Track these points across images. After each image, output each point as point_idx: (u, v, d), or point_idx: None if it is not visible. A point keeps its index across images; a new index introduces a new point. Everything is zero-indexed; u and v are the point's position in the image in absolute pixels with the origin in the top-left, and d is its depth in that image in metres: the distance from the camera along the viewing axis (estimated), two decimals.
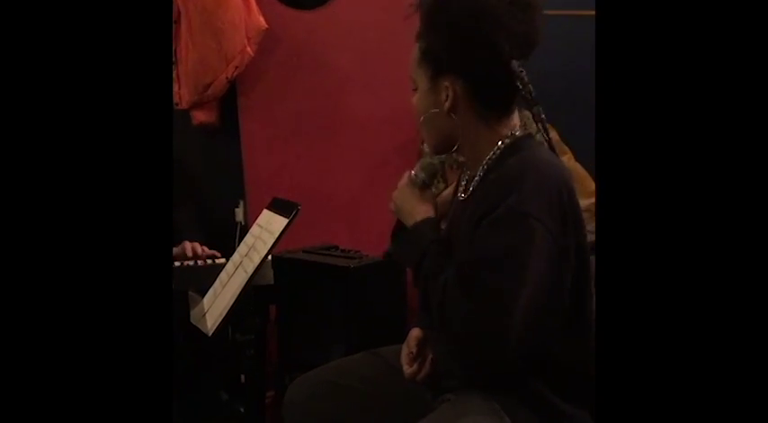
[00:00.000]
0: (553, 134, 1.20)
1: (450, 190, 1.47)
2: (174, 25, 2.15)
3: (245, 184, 2.32)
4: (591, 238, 1.00)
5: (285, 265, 1.80)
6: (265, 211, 1.58)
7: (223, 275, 1.57)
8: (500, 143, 1.11)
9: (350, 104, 2.31)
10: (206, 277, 1.67)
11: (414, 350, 1.21)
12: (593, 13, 0.88)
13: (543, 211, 0.98)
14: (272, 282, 1.80)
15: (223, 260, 1.96)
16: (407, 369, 1.20)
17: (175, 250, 2.02)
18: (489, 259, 0.98)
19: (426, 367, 1.20)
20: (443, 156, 1.48)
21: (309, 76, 2.29)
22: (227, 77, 2.15)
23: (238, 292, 1.42)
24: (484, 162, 1.12)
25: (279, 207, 1.53)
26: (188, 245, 2.02)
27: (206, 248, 2.04)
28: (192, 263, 1.97)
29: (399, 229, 1.21)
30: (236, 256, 1.59)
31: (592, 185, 1.83)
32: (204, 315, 1.51)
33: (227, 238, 2.21)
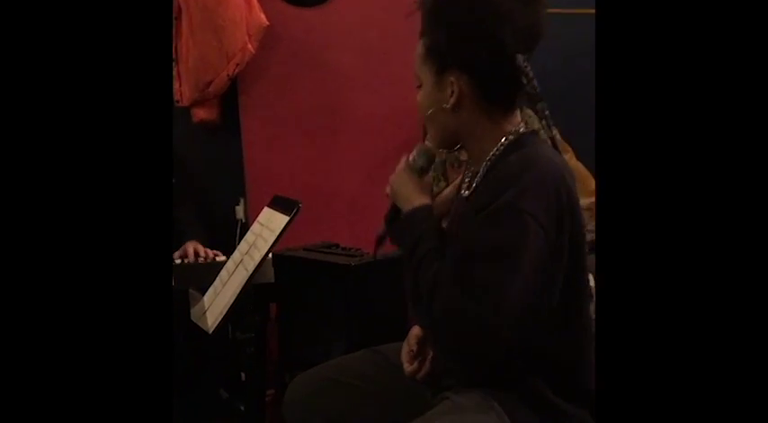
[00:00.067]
0: (555, 132, 1.20)
1: (451, 188, 1.46)
2: (174, 22, 2.15)
3: (246, 181, 2.32)
4: (591, 236, 1.00)
5: (286, 262, 1.79)
6: (266, 209, 1.58)
7: (223, 273, 1.57)
8: (504, 139, 1.11)
9: (351, 102, 2.31)
10: (206, 275, 1.66)
11: (414, 348, 1.21)
12: (593, 11, 0.88)
13: (539, 208, 0.98)
14: (272, 280, 1.79)
15: (224, 258, 1.96)
16: (408, 367, 1.21)
17: (177, 253, 2.01)
18: (480, 252, 0.98)
19: (427, 365, 1.20)
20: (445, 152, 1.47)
21: (310, 74, 2.29)
22: (227, 75, 2.15)
23: (239, 290, 1.42)
24: (487, 158, 1.11)
25: (280, 205, 1.53)
26: (190, 247, 2.01)
27: (208, 250, 2.04)
28: (192, 260, 1.97)
29: (394, 213, 1.20)
30: (236, 254, 1.59)
31: (593, 184, 1.82)
32: (205, 313, 1.51)
33: (227, 236, 2.21)
